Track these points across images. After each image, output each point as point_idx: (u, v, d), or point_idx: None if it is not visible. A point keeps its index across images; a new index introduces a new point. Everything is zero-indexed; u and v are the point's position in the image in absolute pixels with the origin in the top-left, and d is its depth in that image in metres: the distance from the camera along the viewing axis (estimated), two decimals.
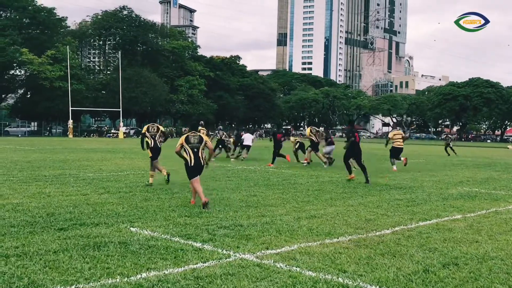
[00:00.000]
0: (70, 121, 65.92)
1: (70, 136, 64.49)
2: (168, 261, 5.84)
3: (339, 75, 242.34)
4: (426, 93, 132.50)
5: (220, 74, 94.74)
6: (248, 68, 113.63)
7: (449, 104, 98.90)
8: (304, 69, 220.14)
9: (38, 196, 10.59)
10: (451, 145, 35.16)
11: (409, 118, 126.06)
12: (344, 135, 16.14)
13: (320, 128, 24.67)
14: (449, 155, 33.56)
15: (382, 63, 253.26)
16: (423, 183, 15.07)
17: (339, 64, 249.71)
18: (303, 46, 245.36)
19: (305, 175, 16.57)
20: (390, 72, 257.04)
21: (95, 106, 73.66)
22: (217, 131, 26.37)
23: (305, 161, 21.69)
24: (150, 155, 13.21)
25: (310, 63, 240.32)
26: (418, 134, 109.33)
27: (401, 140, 20.18)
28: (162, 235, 7.14)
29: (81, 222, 7.87)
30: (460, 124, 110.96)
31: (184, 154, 9.82)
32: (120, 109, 68.45)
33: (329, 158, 20.99)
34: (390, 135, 20.99)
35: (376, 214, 9.32)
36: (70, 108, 64.66)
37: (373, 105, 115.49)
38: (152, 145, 13.25)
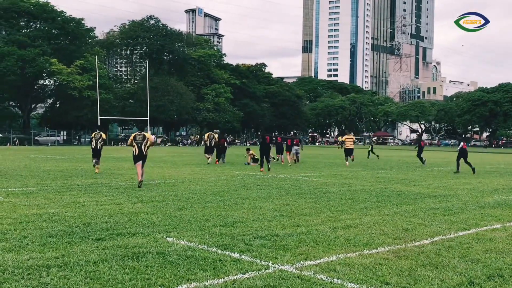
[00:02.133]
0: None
1: None
2: (207, 272, 5.79)
3: (365, 81, 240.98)
4: (454, 99, 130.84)
5: (246, 82, 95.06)
6: (274, 76, 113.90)
7: (479, 110, 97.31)
8: (329, 75, 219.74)
9: (73, 205, 10.67)
10: (372, 149, 37.68)
11: (437, 125, 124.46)
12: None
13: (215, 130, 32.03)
14: (368, 157, 35.23)
15: (409, 69, 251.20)
16: (458, 191, 14.81)
17: (365, 70, 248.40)
18: (328, 53, 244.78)
19: (336, 184, 16.43)
20: (417, 78, 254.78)
21: (123, 115, 74.37)
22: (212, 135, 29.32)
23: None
24: (91, 153, 20.10)
25: (336, 69, 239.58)
26: (447, 141, 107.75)
27: (352, 142, 27.00)
28: (199, 245, 7.10)
29: (117, 232, 7.88)
30: (490, 130, 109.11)
31: (132, 147, 14.78)
32: (148, 118, 69.02)
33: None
34: (343, 138, 28.41)
35: (413, 224, 9.16)
36: (99, 117, 65.44)
37: (400, 111, 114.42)
38: (93, 147, 19.77)
